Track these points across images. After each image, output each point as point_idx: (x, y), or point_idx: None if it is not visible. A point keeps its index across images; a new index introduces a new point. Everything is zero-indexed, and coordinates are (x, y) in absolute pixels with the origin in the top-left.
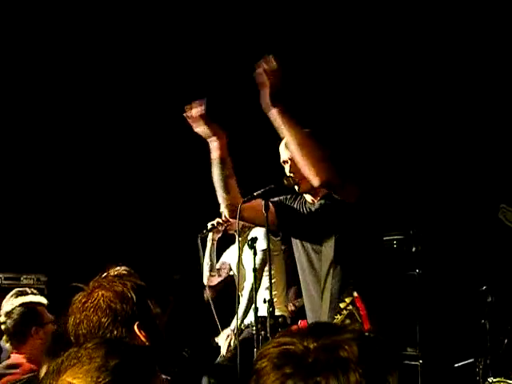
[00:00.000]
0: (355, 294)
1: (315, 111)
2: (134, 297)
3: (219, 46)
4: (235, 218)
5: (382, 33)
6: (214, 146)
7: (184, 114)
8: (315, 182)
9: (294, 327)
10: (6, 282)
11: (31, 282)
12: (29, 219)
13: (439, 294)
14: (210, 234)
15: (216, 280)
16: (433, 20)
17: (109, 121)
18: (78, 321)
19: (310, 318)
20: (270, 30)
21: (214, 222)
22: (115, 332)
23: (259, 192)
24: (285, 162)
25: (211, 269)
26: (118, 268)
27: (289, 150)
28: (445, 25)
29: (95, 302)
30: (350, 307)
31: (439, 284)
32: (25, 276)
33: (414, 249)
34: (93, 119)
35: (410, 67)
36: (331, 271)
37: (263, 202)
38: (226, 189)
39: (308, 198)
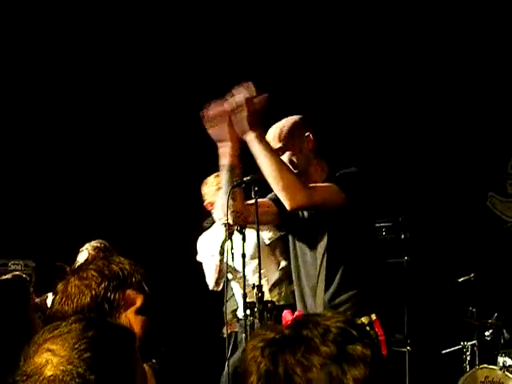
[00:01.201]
0: (373, 316)
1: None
2: (93, 293)
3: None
4: (240, 224)
5: (369, 40)
6: (225, 151)
7: (201, 112)
8: (287, 205)
9: (286, 315)
10: None
11: (19, 267)
12: (16, 205)
13: (427, 280)
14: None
15: (222, 283)
16: (433, 20)
17: (94, 112)
18: (51, 306)
19: (302, 299)
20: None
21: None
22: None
23: (248, 178)
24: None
25: (220, 273)
26: (94, 242)
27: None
28: (445, 25)
29: (62, 293)
30: (368, 329)
31: (427, 271)
32: (13, 262)
33: (402, 236)
34: (78, 110)
35: (395, 62)
36: (324, 264)
37: (252, 187)
38: (232, 196)
39: None
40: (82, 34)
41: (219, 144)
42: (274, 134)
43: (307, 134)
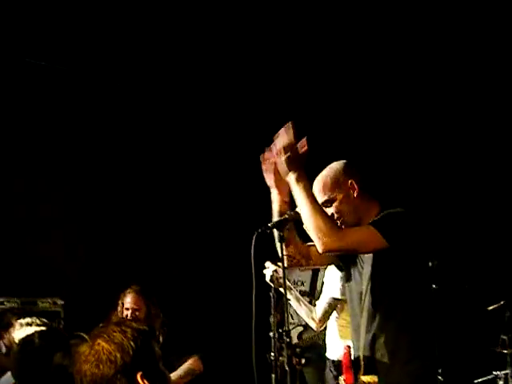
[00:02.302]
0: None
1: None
2: (134, 346)
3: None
4: (295, 267)
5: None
6: (274, 197)
7: (261, 157)
8: (318, 249)
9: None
10: (22, 306)
11: (47, 305)
12: (44, 243)
13: (457, 309)
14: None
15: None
16: (433, 20)
17: (122, 144)
18: (82, 372)
19: (352, 336)
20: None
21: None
22: (118, 383)
23: (273, 223)
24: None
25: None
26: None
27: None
28: (445, 25)
29: (96, 356)
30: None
31: (457, 299)
32: (41, 300)
33: (430, 264)
34: (101, 144)
35: (421, 84)
36: (366, 306)
37: (277, 233)
38: (286, 242)
39: None
40: (93, 42)
41: (271, 190)
42: (318, 187)
43: (350, 181)
